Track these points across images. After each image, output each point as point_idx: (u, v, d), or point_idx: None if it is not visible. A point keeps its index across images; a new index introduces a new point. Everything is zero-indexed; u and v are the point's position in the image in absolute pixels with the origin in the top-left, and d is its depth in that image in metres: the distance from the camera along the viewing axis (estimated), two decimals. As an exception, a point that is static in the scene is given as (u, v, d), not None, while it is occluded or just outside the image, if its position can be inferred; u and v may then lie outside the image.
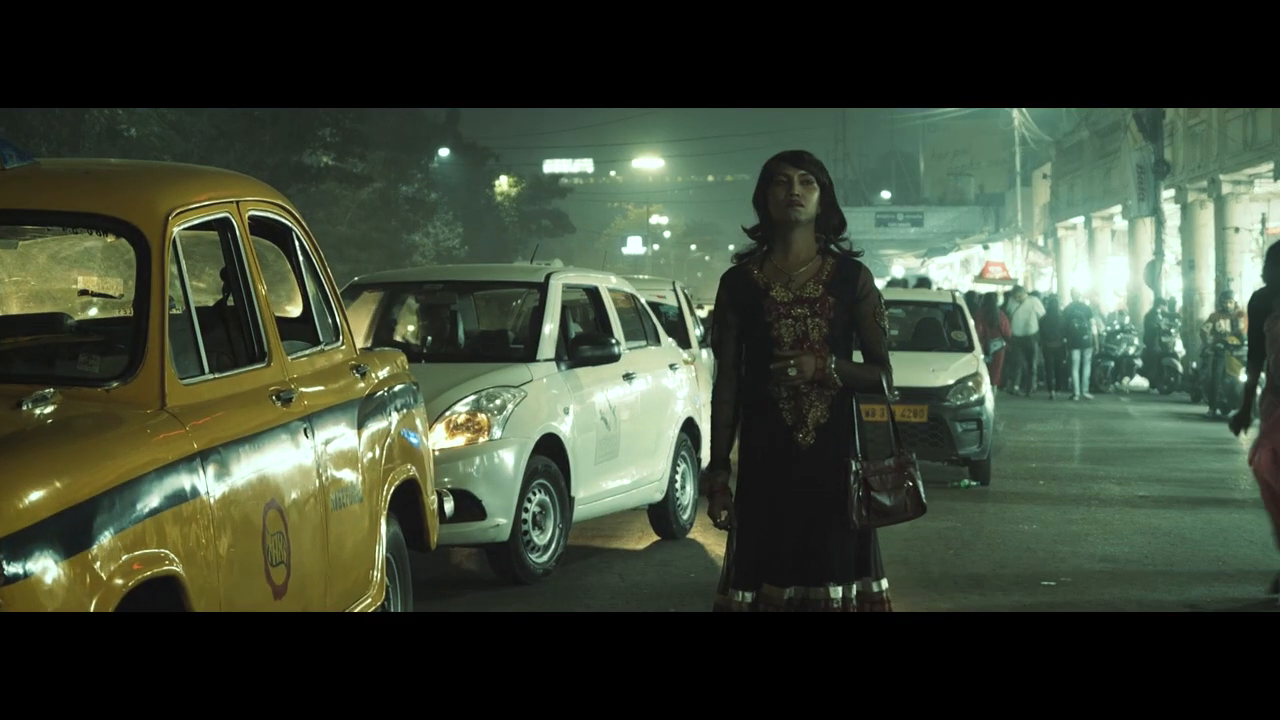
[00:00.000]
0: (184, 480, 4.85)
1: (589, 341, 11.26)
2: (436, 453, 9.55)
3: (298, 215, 6.61)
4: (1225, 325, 25.47)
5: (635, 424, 11.66)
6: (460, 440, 9.91)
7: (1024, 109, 53.16)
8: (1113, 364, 31.95)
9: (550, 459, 10.42)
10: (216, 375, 5.44)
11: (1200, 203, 35.13)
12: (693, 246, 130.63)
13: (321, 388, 6.29)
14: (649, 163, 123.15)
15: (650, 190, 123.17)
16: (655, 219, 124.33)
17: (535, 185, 76.76)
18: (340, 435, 6.33)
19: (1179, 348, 31.09)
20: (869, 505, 5.57)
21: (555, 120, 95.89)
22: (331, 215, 50.04)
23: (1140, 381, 32.18)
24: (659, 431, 12.13)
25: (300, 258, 6.59)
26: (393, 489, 6.88)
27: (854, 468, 5.57)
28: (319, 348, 6.56)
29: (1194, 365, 27.06)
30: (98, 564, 4.30)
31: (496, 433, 9.98)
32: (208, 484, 4.99)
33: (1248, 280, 32.83)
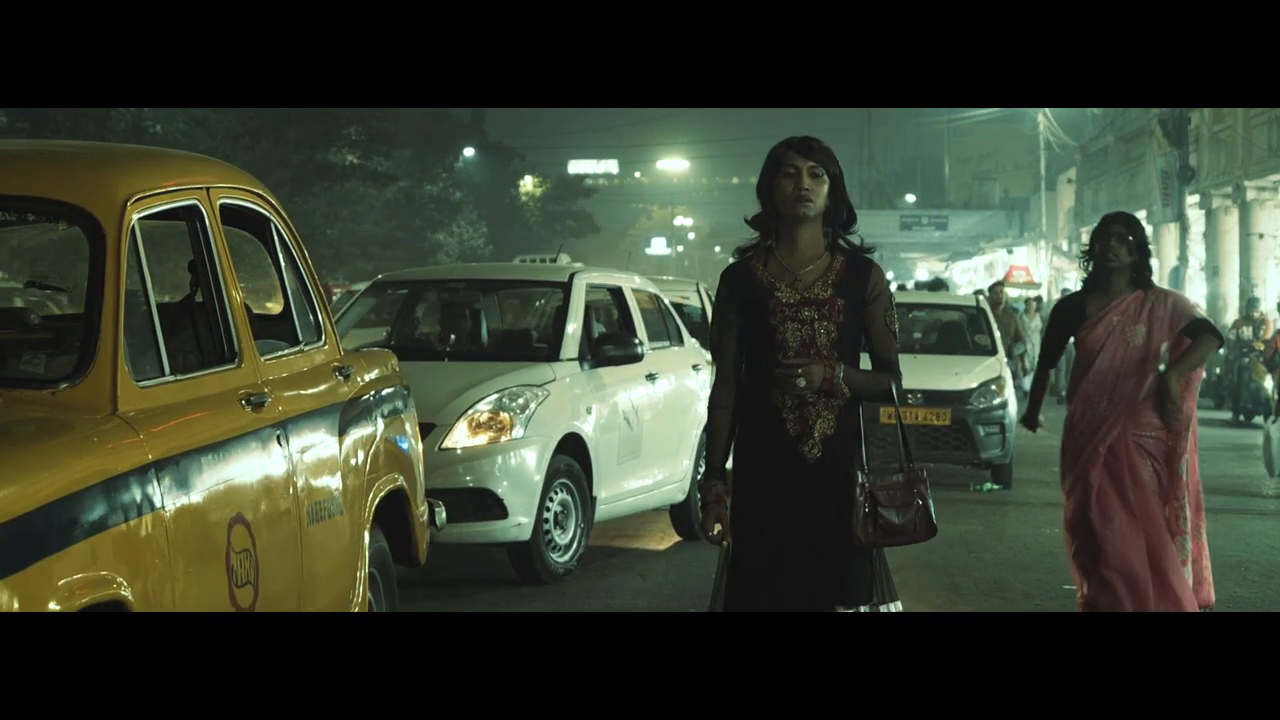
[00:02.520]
0: (135, 493, 4.39)
1: (612, 341, 11.24)
2: (459, 451, 9.71)
3: (277, 204, 6.16)
4: (1249, 332, 25.25)
5: (658, 424, 11.67)
6: (483, 439, 9.90)
7: (1049, 113, 53.04)
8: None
9: (572, 458, 10.42)
10: (178, 377, 4.98)
11: (1225, 209, 34.98)
12: (717, 248, 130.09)
13: (298, 391, 5.84)
14: (674, 164, 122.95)
15: (675, 191, 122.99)
16: (680, 220, 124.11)
17: (560, 185, 76.60)
18: (319, 443, 5.89)
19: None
20: (875, 522, 5.17)
21: (581, 121, 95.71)
22: (356, 214, 49.97)
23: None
24: (681, 432, 12.09)
25: (279, 250, 6.11)
26: (378, 500, 6.42)
27: (860, 480, 5.17)
28: (298, 348, 6.09)
29: (1217, 371, 26.66)
30: (33, 588, 3.86)
31: (519, 432, 9.97)
32: (162, 497, 4.53)
33: (1272, 286, 32.51)
